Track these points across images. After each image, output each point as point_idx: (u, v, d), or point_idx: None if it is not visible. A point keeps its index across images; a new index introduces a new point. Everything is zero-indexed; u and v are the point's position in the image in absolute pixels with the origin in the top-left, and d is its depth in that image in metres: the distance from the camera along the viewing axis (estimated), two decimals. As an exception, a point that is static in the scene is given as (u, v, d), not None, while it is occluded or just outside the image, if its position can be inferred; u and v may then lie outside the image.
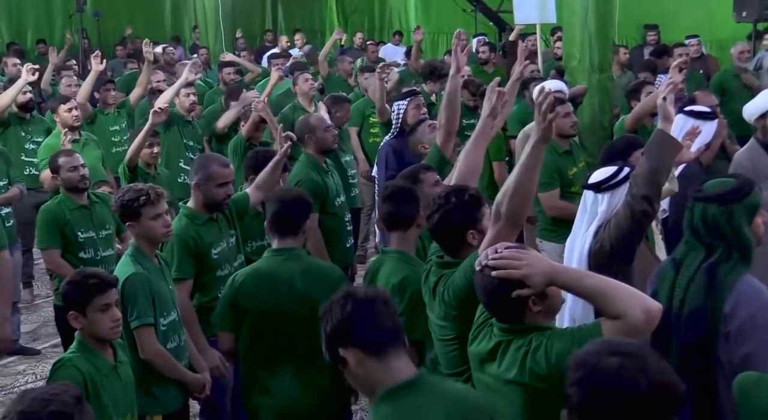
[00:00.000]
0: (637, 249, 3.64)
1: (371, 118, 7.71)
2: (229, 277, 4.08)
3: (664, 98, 3.75)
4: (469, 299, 2.98)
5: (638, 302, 2.40)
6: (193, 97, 7.49)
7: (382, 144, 6.21)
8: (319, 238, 5.21)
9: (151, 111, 5.31)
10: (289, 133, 5.04)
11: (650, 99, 6.05)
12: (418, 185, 4.05)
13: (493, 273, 2.52)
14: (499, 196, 2.98)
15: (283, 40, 13.37)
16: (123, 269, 3.86)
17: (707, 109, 5.12)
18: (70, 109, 6.78)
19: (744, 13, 9.69)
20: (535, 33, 9.26)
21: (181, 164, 7.14)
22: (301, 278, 3.84)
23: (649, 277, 3.28)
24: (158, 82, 8.53)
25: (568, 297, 3.59)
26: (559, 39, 10.12)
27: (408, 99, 6.05)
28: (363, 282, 3.92)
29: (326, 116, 6.16)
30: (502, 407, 2.61)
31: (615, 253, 3.56)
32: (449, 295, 3.13)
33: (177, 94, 7.30)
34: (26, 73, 7.11)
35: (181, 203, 4.55)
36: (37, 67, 7.40)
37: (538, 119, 2.90)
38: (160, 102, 6.92)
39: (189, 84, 7.63)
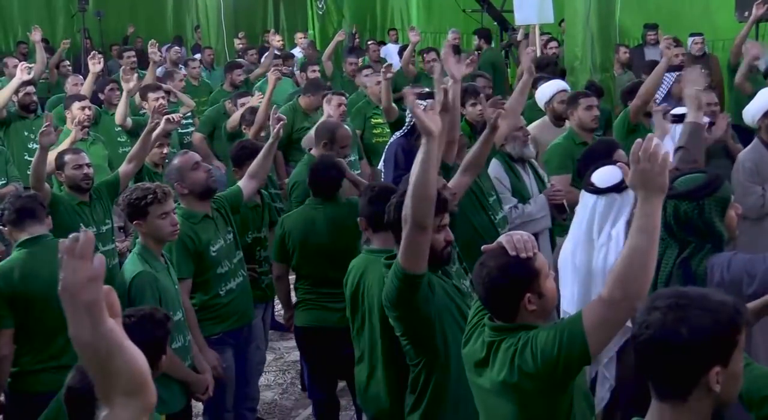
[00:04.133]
0: None
1: (372, 119, 7.71)
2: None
3: (701, 89, 3.72)
4: (398, 302, 3.12)
5: (633, 286, 2.35)
6: (162, 101, 7.51)
7: (390, 141, 6.21)
8: None
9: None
10: (280, 114, 5.06)
11: (649, 82, 6.05)
12: None
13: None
14: (405, 199, 2.96)
15: (276, 38, 13.32)
16: (130, 268, 3.89)
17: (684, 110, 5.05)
18: (83, 108, 6.80)
19: (746, 13, 9.67)
20: (548, 34, 9.32)
21: None
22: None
23: None
24: (75, 85, 8.45)
25: (575, 295, 3.63)
26: (554, 39, 10.12)
27: (427, 101, 6.05)
28: (346, 279, 3.87)
29: (331, 110, 6.27)
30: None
31: None
32: (384, 297, 3.22)
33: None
34: (20, 73, 7.12)
35: (176, 206, 4.57)
36: (31, 66, 7.41)
37: (415, 114, 2.88)
38: (117, 118, 6.99)
39: (156, 87, 7.69)
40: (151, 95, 7.41)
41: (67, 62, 11.58)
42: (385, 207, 3.69)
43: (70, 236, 1.51)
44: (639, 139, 2.36)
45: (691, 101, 3.77)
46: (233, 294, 4.52)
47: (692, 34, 10.10)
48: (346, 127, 5.85)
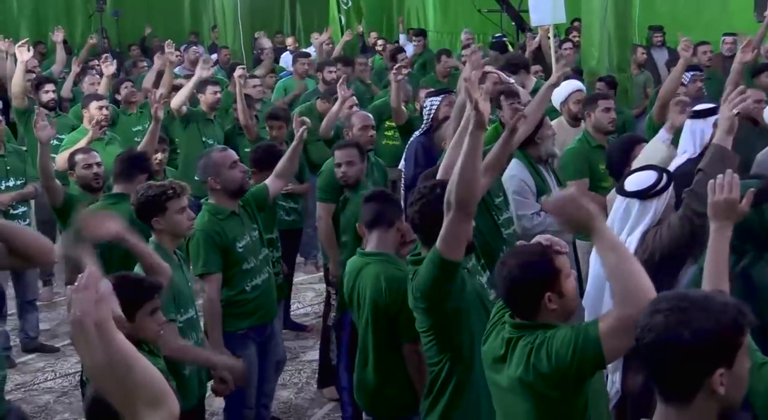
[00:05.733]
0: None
1: (388, 122, 7.72)
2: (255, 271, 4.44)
3: (738, 113, 3.58)
4: (431, 291, 3.12)
5: (637, 300, 2.35)
6: (219, 95, 7.52)
7: (411, 140, 6.22)
8: (330, 229, 5.34)
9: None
10: (304, 118, 5.11)
11: (669, 84, 6.02)
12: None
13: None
14: (448, 185, 3.00)
15: (288, 41, 13.34)
16: None
17: (707, 106, 5.00)
18: (101, 107, 6.83)
19: (766, 13, 9.61)
20: (567, 39, 9.32)
21: None
22: None
23: (676, 286, 3.24)
24: (92, 84, 8.34)
25: (589, 295, 3.62)
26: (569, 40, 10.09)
27: (442, 96, 6.06)
28: (343, 278, 3.95)
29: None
30: None
31: (664, 263, 3.51)
32: (415, 288, 3.22)
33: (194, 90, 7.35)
34: (21, 54, 7.20)
35: (203, 200, 4.59)
36: (25, 41, 7.53)
37: (469, 105, 2.98)
38: (176, 100, 7.00)
39: (214, 82, 7.69)
40: (210, 88, 7.46)
41: (96, 62, 11.60)
42: (380, 207, 3.75)
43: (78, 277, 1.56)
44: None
45: (722, 122, 3.59)
46: (259, 290, 4.54)
47: (725, 34, 10.02)
48: (365, 113, 5.94)
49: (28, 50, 7.31)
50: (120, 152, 6.84)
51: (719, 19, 11.80)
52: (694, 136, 4.70)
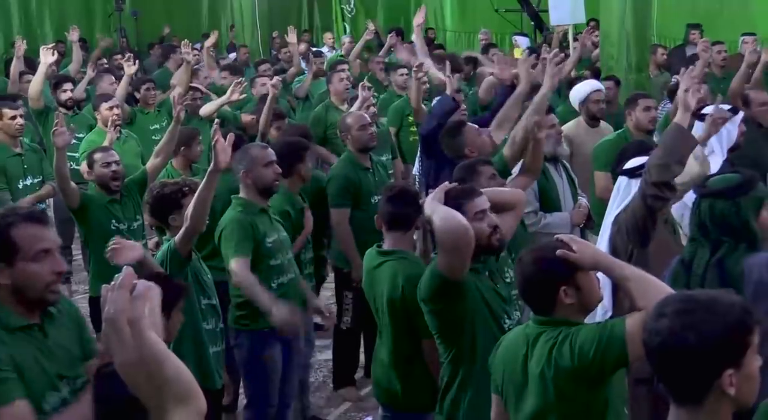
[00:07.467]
0: (654, 234, 3.71)
1: (410, 117, 7.71)
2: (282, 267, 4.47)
3: (687, 90, 3.75)
4: (434, 297, 3.20)
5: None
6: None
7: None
8: (349, 234, 5.32)
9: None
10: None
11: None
12: (474, 177, 4.05)
13: (558, 252, 2.57)
14: (438, 227, 3.09)
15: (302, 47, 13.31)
16: (163, 258, 3.93)
17: (725, 107, 5.00)
18: (111, 108, 6.82)
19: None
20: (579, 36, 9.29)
21: None
22: None
23: (662, 273, 3.28)
24: (111, 84, 8.22)
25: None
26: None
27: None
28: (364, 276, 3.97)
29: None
30: None
31: (630, 237, 3.70)
32: (419, 291, 3.28)
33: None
34: (45, 56, 7.23)
35: (233, 196, 4.56)
36: (52, 45, 7.56)
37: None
38: (205, 111, 7.00)
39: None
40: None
41: (104, 60, 11.69)
42: (401, 209, 3.76)
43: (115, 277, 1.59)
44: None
45: (679, 101, 3.76)
46: (284, 288, 4.48)
47: (744, 34, 9.95)
48: (359, 113, 5.90)
49: (53, 54, 7.35)
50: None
51: (740, 19, 11.73)
52: (720, 137, 4.71)
